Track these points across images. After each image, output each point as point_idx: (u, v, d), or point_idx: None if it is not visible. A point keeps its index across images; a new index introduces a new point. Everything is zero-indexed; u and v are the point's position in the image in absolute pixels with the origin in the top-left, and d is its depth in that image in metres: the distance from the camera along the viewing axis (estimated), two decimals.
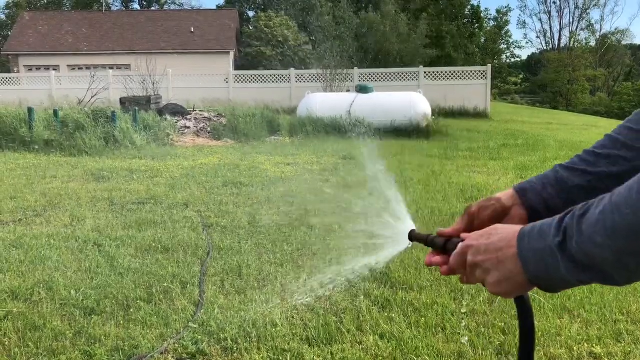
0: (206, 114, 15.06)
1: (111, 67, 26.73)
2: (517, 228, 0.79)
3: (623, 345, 2.98)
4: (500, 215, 1.01)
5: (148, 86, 17.91)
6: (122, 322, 3.24)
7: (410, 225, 1.04)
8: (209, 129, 13.72)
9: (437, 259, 0.94)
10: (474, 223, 1.00)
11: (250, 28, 38.56)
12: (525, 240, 0.76)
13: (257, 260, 4.32)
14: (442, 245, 0.94)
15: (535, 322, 3.09)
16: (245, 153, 10.83)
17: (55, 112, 11.58)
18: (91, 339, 3.03)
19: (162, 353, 2.88)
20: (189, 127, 13.80)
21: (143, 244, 4.75)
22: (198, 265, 4.22)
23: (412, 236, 1.02)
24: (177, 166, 9.06)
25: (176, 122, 13.83)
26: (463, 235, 0.90)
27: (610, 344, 3.00)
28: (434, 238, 0.96)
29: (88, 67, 27.22)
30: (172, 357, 2.86)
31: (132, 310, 3.39)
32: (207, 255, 4.44)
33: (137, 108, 12.98)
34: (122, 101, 14.83)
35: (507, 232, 0.80)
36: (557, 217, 0.74)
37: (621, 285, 0.71)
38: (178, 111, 14.92)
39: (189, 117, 14.60)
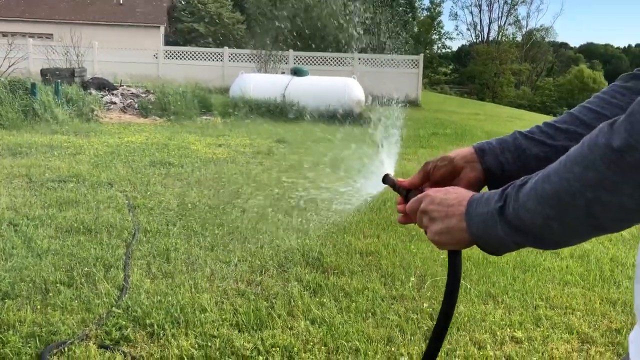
0: (134, 90, 14.48)
1: (31, 35, 25.14)
2: (471, 193, 0.88)
3: (542, 330, 3.12)
4: (451, 175, 1.04)
5: (72, 58, 16.96)
6: (39, 306, 3.05)
7: (385, 171, 1.13)
8: (136, 105, 13.20)
9: (401, 207, 1.03)
10: (429, 179, 1.06)
11: (183, 3, 37.35)
12: (474, 204, 0.85)
13: (186, 244, 4.20)
14: (405, 194, 1.04)
15: (463, 308, 3.14)
16: (174, 132, 10.51)
17: None
18: (4, 325, 2.84)
19: (82, 339, 2.74)
20: (115, 103, 13.23)
21: (64, 224, 4.51)
22: (123, 248, 4.05)
23: (385, 179, 1.11)
24: (102, 143, 8.67)
25: (101, 97, 13.22)
26: (426, 188, 1.01)
27: (530, 328, 3.13)
28: (400, 187, 1.06)
29: (5, 34, 25.44)
30: (94, 343, 2.72)
31: (50, 294, 3.21)
32: (133, 238, 4.27)
33: (59, 80, 12.29)
34: (43, 73, 14.00)
35: (463, 194, 0.89)
36: (503, 187, 0.81)
37: (551, 248, 0.79)
38: (104, 85, 14.26)
39: (115, 92, 13.99)
